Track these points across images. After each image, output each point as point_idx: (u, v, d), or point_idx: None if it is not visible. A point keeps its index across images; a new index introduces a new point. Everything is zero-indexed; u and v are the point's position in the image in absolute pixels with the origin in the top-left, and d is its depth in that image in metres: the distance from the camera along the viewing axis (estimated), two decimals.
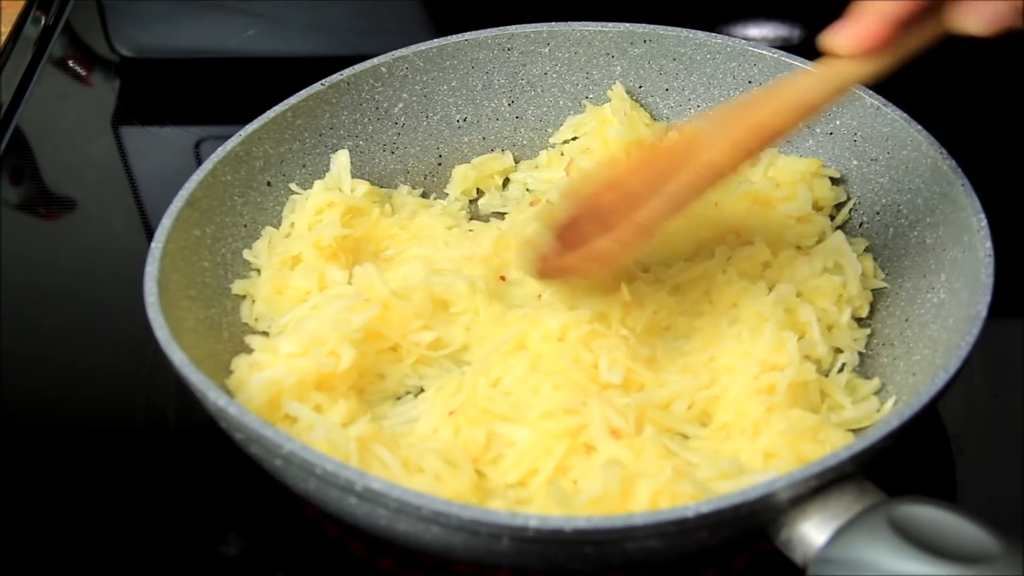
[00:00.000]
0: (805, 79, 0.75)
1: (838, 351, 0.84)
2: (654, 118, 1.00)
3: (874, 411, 0.79)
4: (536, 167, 1.01)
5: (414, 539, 0.68)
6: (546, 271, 0.82)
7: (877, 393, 0.81)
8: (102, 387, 0.90)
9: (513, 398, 0.77)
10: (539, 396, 0.76)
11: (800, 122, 0.76)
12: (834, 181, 0.93)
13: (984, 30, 0.68)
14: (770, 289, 0.85)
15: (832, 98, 0.75)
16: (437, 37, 0.99)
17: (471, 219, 0.98)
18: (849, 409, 0.79)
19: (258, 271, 0.89)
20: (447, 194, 1.00)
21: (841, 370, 0.83)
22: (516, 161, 1.02)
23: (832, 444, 0.73)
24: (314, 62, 1.07)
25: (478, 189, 1.00)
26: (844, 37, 0.71)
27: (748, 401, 0.76)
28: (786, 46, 1.24)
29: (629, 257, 0.83)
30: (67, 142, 1.16)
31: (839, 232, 0.90)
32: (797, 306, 0.84)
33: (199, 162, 0.87)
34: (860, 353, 0.85)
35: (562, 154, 1.01)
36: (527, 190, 1.00)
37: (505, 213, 0.98)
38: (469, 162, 1.00)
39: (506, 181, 1.01)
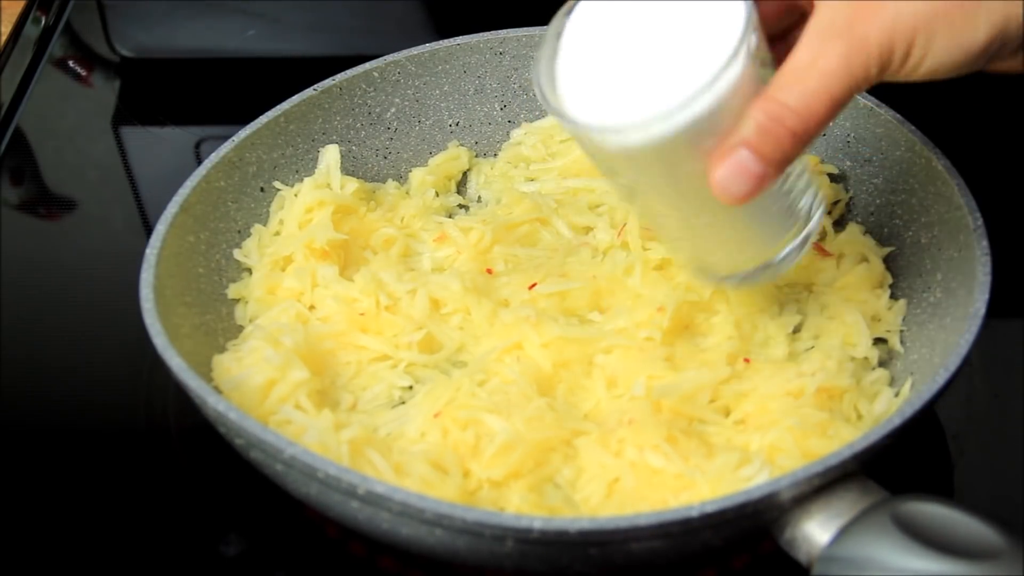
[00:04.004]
0: None
1: (879, 341, 0.83)
2: None
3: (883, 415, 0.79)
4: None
5: (417, 543, 0.67)
6: None
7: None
8: (102, 387, 0.90)
9: (499, 396, 0.76)
10: (531, 403, 0.76)
11: None
12: (832, 178, 0.93)
13: None
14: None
15: None
16: (437, 38, 0.98)
17: (459, 205, 0.98)
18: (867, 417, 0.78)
19: (249, 271, 0.88)
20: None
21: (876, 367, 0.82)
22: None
23: (841, 440, 0.72)
24: (314, 62, 1.07)
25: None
26: None
27: (772, 400, 0.76)
28: None
29: None
30: (67, 142, 1.16)
31: (853, 225, 0.90)
32: (841, 312, 0.83)
33: (199, 162, 0.87)
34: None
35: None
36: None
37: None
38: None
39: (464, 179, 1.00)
